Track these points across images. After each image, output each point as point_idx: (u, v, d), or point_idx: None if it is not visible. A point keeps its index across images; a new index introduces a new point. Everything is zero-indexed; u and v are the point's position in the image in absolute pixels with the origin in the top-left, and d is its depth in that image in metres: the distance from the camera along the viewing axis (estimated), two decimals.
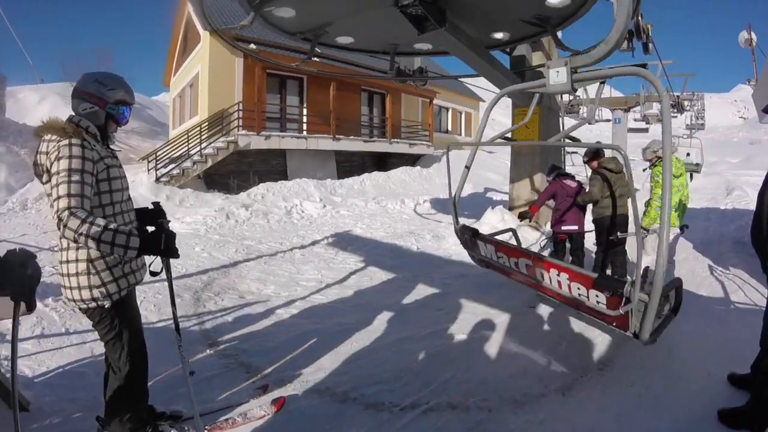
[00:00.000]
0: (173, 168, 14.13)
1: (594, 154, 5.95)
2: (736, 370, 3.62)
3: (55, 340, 4.22)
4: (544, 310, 5.30)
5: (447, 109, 28.46)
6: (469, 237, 4.80)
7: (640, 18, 6.85)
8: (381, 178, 17.92)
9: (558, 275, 3.70)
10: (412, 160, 22.08)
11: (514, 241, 5.19)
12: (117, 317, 2.67)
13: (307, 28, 6.54)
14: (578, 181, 6.19)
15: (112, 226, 2.29)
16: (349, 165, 19.23)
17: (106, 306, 2.58)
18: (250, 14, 5.76)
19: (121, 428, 2.73)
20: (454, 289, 6.12)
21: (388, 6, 5.46)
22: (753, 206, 10.68)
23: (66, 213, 2.25)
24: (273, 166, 16.76)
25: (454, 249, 8.54)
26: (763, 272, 3.07)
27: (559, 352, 4.17)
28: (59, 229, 2.27)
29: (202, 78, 16.64)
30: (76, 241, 2.28)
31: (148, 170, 14.24)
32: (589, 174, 6.03)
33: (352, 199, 14.51)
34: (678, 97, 18.11)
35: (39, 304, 4.57)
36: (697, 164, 16.61)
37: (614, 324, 3.42)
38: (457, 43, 6.27)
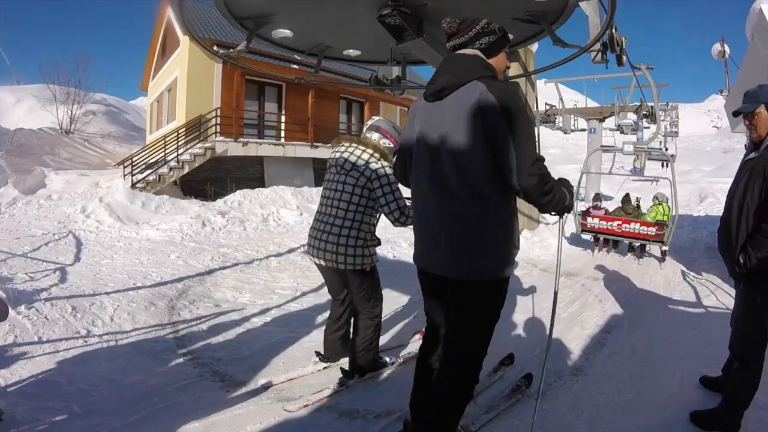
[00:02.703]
0: (149, 174, 14.04)
1: None
2: (710, 373, 3.72)
3: (28, 348, 4.18)
4: (518, 317, 5.39)
5: None
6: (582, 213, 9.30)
7: (614, 31, 7.01)
8: None
9: (636, 225, 8.44)
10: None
11: None
12: (375, 275, 3.70)
13: (311, 45, 6.55)
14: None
15: None
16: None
17: (368, 269, 3.56)
18: (244, 42, 5.76)
19: (373, 357, 3.78)
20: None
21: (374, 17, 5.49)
22: None
23: (406, 209, 3.36)
24: (250, 173, 16.73)
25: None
26: (731, 277, 3.16)
27: (533, 358, 4.24)
28: (401, 217, 3.36)
29: (181, 83, 16.60)
30: (403, 224, 3.40)
31: (124, 176, 14.15)
32: None
33: None
34: (652, 107, 18.51)
35: (12, 312, 4.55)
36: (672, 155, 17.35)
37: (657, 239, 8.12)
38: (434, 53, 6.34)
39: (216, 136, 15.36)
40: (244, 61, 14.43)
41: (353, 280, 3.57)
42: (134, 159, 14.62)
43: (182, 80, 16.50)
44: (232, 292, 6.34)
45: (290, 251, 9.17)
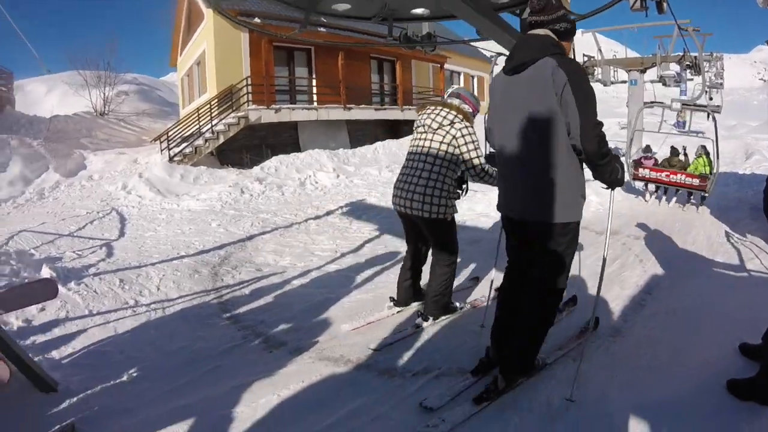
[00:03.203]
0: (186, 147, 14.23)
1: None
2: (749, 340, 3.47)
3: (79, 322, 4.30)
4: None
5: (459, 73, 28.08)
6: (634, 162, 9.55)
7: None
8: (394, 146, 17.84)
9: (681, 176, 8.85)
10: None
11: None
12: (454, 225, 4.05)
13: None
14: None
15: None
16: (361, 134, 19.11)
17: (450, 219, 3.92)
18: None
19: (447, 302, 4.14)
20: (468, 256, 6.06)
21: None
22: None
23: (485, 166, 3.84)
24: (285, 139, 16.76)
25: (468, 215, 8.52)
26: None
27: (575, 316, 4.15)
28: (480, 172, 3.84)
29: (209, 55, 16.59)
30: (481, 179, 3.90)
31: (161, 151, 14.36)
32: None
33: (365, 168, 14.50)
34: (695, 58, 17.60)
35: (62, 289, 4.69)
36: (718, 105, 16.91)
37: (700, 188, 8.57)
38: (463, 5, 6.13)
39: (248, 105, 15.37)
40: (268, 27, 14.35)
41: (434, 229, 3.94)
42: (170, 134, 14.79)
43: (210, 52, 16.49)
44: (273, 256, 6.41)
45: (328, 213, 9.19)
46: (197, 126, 15.15)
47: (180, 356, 3.70)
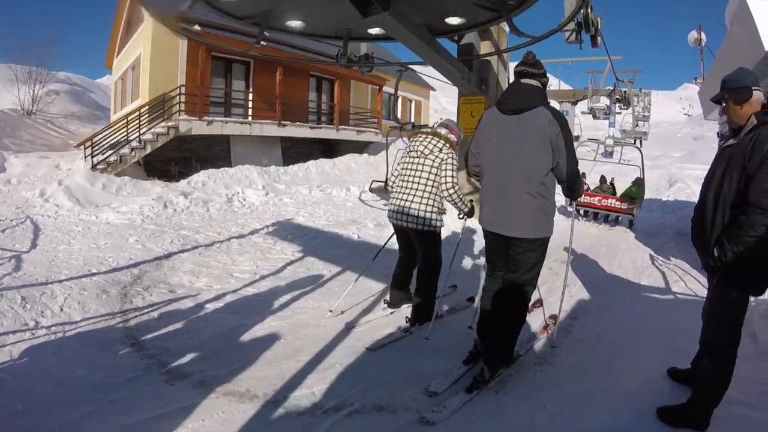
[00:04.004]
0: (110, 155, 13.70)
1: None
2: (677, 364, 3.64)
3: None
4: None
5: (397, 97, 28.35)
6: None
7: (589, 10, 6.90)
8: (327, 166, 17.81)
9: (612, 200, 10.31)
10: (360, 147, 21.98)
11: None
12: (440, 237, 4.80)
13: (254, 12, 6.29)
14: None
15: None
16: (295, 152, 18.98)
17: (438, 231, 4.69)
18: None
19: (431, 307, 4.66)
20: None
21: None
22: (695, 198, 11.20)
23: (457, 186, 4.56)
24: (216, 153, 16.42)
25: (395, 238, 8.59)
26: (704, 270, 3.08)
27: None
28: (450, 190, 4.51)
29: (144, 60, 16.16)
30: (450, 197, 4.56)
31: (85, 157, 13.80)
32: None
33: (296, 186, 14.38)
34: (625, 92, 18.57)
35: None
36: (645, 132, 18.85)
37: (629, 211, 9.98)
38: (402, 29, 6.16)
39: (179, 115, 14.98)
40: (208, 37, 14.10)
41: (425, 240, 4.65)
42: (95, 139, 14.21)
43: (146, 57, 16.03)
44: (189, 277, 6.22)
45: (253, 233, 9.03)
46: (125, 133, 14.62)
47: (77, 386, 3.50)
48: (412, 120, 24.83)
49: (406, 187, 4.63)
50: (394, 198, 4.73)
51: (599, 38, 7.69)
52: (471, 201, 4.79)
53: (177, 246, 7.79)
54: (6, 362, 3.84)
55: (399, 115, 27.90)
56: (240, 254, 7.43)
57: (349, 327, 4.66)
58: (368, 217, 10.76)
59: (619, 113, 19.54)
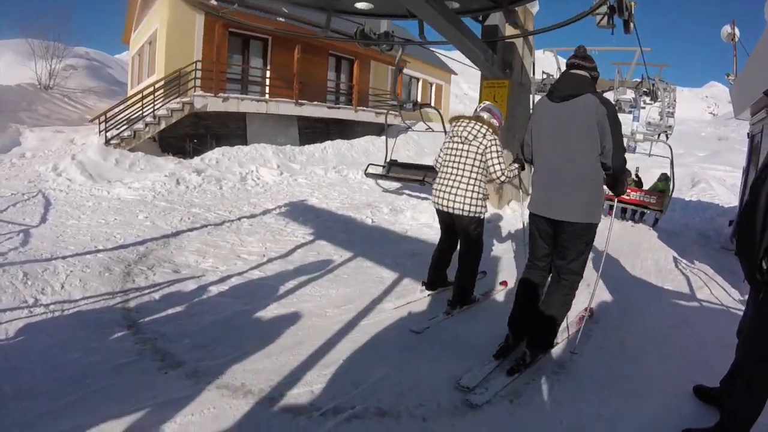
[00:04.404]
0: (124, 130, 13.55)
1: None
2: (703, 380, 3.36)
3: None
4: (494, 303, 5.11)
5: (417, 79, 27.84)
6: None
7: None
8: (344, 147, 17.54)
9: (640, 193, 9.63)
10: (379, 129, 21.61)
11: None
12: (483, 223, 4.78)
13: None
14: None
15: None
16: (312, 132, 18.68)
17: (482, 217, 4.67)
18: None
19: (471, 292, 4.87)
20: (406, 271, 5.90)
21: None
22: (718, 200, 10.83)
23: (506, 171, 4.50)
24: (232, 130, 16.19)
25: (410, 224, 8.35)
26: (747, 282, 2.75)
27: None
28: (502, 176, 4.50)
29: (160, 35, 15.81)
30: (503, 182, 4.62)
31: (99, 132, 13.66)
32: None
33: (311, 167, 14.17)
34: (653, 85, 17.98)
35: None
36: (670, 126, 18.43)
37: (656, 206, 9.31)
38: (426, 6, 5.87)
39: (195, 91, 14.75)
40: (233, 14, 13.87)
41: (469, 225, 4.61)
42: (108, 114, 14.01)
43: (162, 32, 15.69)
44: (195, 257, 6.04)
45: (265, 212, 8.84)
46: (140, 109, 14.41)
47: (69, 370, 3.33)
48: (416, 99, 24.21)
49: (450, 173, 4.63)
50: (438, 183, 4.74)
51: (632, 24, 7.31)
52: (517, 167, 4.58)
53: (186, 224, 7.62)
54: (0, 341, 3.68)
55: (419, 99, 27.33)
56: (249, 234, 7.23)
57: (356, 319, 4.44)
58: (384, 201, 10.52)
59: (644, 108, 18.97)
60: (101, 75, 27.47)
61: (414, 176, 10.51)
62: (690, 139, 45.52)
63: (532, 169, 3.93)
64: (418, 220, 8.60)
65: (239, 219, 8.21)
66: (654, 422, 3.05)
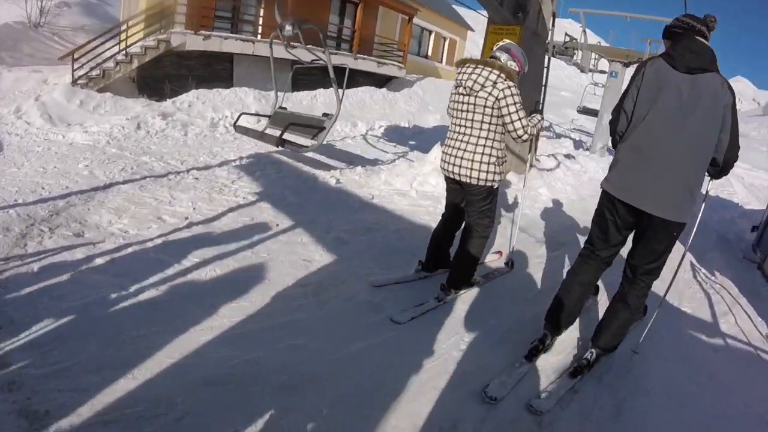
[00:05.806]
0: (93, 69, 12.72)
1: None
2: None
3: None
4: (499, 287, 4.55)
5: (430, 32, 26.41)
6: None
7: None
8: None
9: None
10: (382, 81, 20.49)
11: None
12: (497, 194, 4.02)
13: None
14: None
15: None
16: (308, 79, 17.63)
17: (495, 186, 3.89)
18: None
19: (472, 274, 4.27)
20: (348, 252, 5.11)
21: None
22: (737, 198, 9.66)
23: (528, 128, 3.73)
24: (217, 72, 15.24)
25: (381, 188, 7.58)
26: None
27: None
28: (524, 134, 3.71)
29: None
30: (524, 141, 3.82)
31: (73, 71, 12.88)
32: None
33: None
34: None
35: None
36: None
37: None
38: None
39: (173, 27, 13.77)
40: None
41: (478, 196, 3.91)
42: (75, 53, 12.86)
43: None
44: (110, 216, 5.29)
45: (222, 164, 8.03)
46: (116, 46, 13.51)
47: None
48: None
49: (458, 131, 3.91)
50: (446, 144, 4.04)
51: None
52: (540, 119, 4.08)
53: (125, 175, 6.87)
54: None
55: (430, 53, 25.79)
56: (184, 191, 6.41)
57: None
58: (364, 158, 9.74)
59: None
60: (97, 13, 26.33)
61: (302, 139, 6.84)
62: None
63: (618, 146, 3.28)
64: (392, 184, 7.79)
65: (187, 171, 7.43)
66: None
